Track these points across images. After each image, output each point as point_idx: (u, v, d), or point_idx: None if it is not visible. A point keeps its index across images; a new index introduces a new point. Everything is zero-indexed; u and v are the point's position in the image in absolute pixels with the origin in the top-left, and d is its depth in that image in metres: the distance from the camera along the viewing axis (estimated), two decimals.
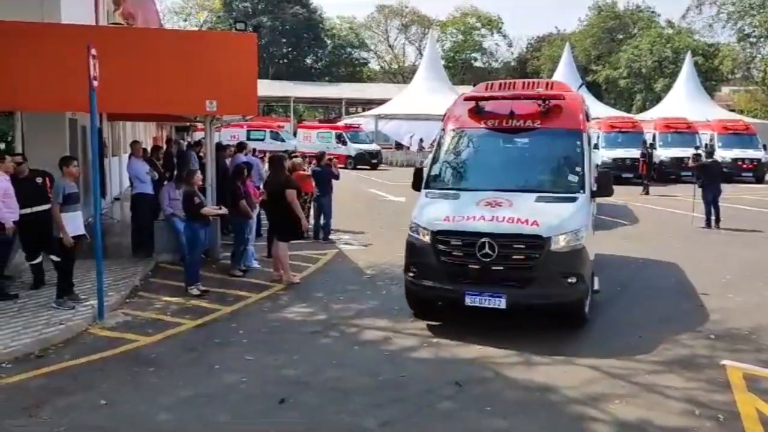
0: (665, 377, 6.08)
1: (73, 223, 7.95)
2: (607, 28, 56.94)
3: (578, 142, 7.93)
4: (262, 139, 34.04)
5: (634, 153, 24.44)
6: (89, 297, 8.06)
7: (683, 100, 37.80)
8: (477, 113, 8.40)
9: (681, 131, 27.68)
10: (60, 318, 7.46)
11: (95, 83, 7.53)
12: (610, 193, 7.98)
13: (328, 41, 68.00)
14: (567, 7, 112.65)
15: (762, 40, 47.32)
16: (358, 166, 33.38)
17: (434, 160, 8.49)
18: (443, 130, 8.76)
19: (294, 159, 13.07)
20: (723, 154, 24.95)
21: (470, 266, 6.98)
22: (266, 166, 12.86)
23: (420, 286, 7.41)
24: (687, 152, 22.72)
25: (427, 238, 7.26)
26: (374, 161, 34.51)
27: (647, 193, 21.52)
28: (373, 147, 35.57)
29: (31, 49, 9.07)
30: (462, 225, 7.15)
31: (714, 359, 6.55)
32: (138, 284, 9.24)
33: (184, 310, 8.17)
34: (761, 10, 46.73)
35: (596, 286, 7.91)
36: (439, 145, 8.60)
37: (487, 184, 7.77)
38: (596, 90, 48.62)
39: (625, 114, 37.78)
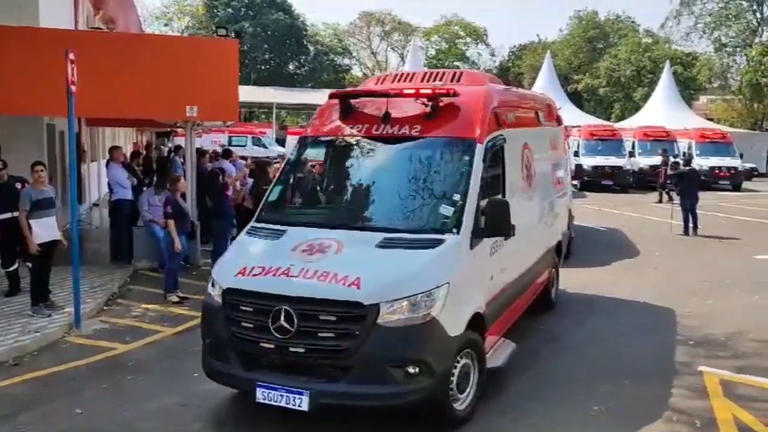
0: (644, 383, 6.12)
1: (46, 229, 7.84)
2: (588, 37, 57.55)
3: (467, 158, 5.61)
4: (244, 145, 33.87)
5: (614, 161, 24.89)
6: (66, 304, 7.95)
7: (661, 108, 38.23)
8: (344, 116, 6.20)
9: (659, 140, 28.00)
10: (36, 326, 7.35)
11: (73, 88, 7.45)
12: (505, 233, 5.46)
13: (311, 47, 67.95)
14: (548, 17, 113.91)
15: (738, 50, 48.15)
16: None
17: (277, 182, 6.45)
18: (301, 139, 6.75)
19: (276, 165, 13.03)
20: (700, 163, 25.32)
21: (263, 344, 4.86)
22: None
23: (210, 367, 5.31)
24: (656, 160, 23.11)
25: (218, 298, 5.19)
26: None
27: (661, 201, 21.26)
28: None
29: (8, 53, 8.95)
30: (254, 282, 5.01)
31: (691, 365, 6.61)
32: (116, 291, 9.13)
33: (163, 318, 8.09)
34: (737, 21, 47.58)
35: (500, 362, 5.86)
36: (288, 161, 6.65)
37: (328, 219, 5.82)
38: (577, 98, 49.06)
39: (605, 122, 38.14)
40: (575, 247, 11.51)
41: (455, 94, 5.88)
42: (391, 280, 4.84)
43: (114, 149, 12.29)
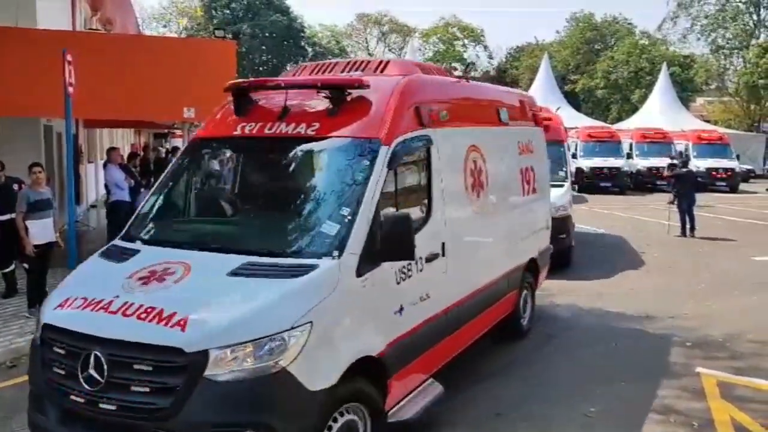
0: (641, 385, 6.13)
1: (43, 231, 7.83)
2: (585, 39, 57.64)
3: (365, 163, 4.57)
4: None
5: (612, 162, 24.90)
6: None
7: (659, 110, 38.31)
8: (240, 113, 5.19)
9: (657, 141, 28.06)
10: (33, 328, 7.31)
11: (71, 89, 7.44)
12: (404, 255, 4.40)
13: (309, 49, 67.99)
14: (546, 19, 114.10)
15: (735, 51, 48.25)
16: None
17: (153, 192, 5.45)
18: (191, 141, 5.90)
19: None
20: (697, 164, 25.36)
21: (73, 397, 3.87)
22: None
23: (31, 420, 4.34)
24: (663, 162, 23.04)
25: (37, 336, 4.32)
26: None
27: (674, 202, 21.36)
28: None
29: (5, 54, 8.95)
30: (69, 318, 4.06)
31: (689, 367, 6.62)
32: None
33: None
34: (734, 23, 47.69)
35: (409, 414, 4.73)
36: (170, 168, 5.65)
37: (189, 236, 4.88)
38: (574, 100, 49.13)
39: (602, 124, 38.21)
40: (574, 250, 11.50)
41: (364, 86, 4.84)
42: (227, 320, 3.74)
43: (111, 150, 12.28)
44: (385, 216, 4.40)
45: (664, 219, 15.65)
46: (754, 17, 48.39)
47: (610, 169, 24.91)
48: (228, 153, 5.53)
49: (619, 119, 45.33)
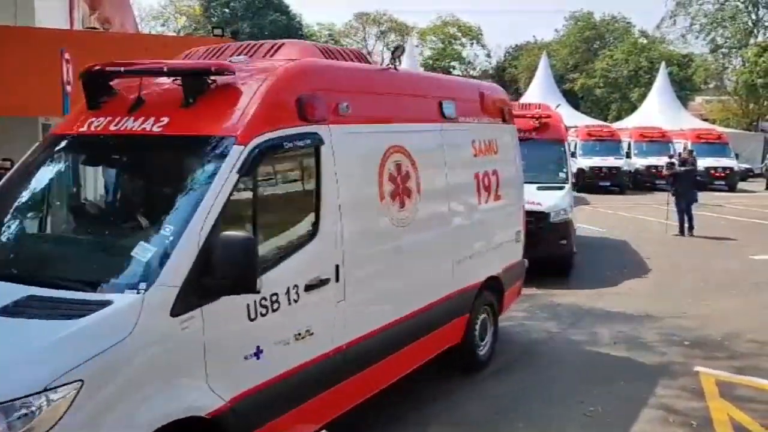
0: (640, 384, 6.13)
1: None
2: (584, 38, 57.64)
3: (210, 167, 3.68)
4: None
5: (612, 162, 24.74)
6: None
7: (657, 109, 38.31)
8: (94, 104, 4.28)
9: (655, 140, 28.05)
10: None
11: (69, 88, 7.43)
12: (243, 287, 3.47)
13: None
14: (544, 18, 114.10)
15: (733, 51, 48.29)
16: None
17: None
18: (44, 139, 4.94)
19: None
20: (696, 163, 25.33)
21: None
22: None
23: None
24: (661, 161, 23.05)
25: None
26: None
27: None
28: None
29: (4, 54, 8.93)
30: None
31: (688, 366, 6.62)
32: None
33: None
34: (732, 22, 47.73)
35: None
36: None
37: None
38: (573, 99, 49.13)
39: (602, 123, 38.20)
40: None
41: (228, 72, 3.96)
42: None
43: None
44: (221, 238, 3.39)
45: (663, 218, 15.66)
46: (753, 16, 48.48)
47: (609, 168, 24.76)
48: (70, 154, 4.44)
49: (618, 118, 45.35)
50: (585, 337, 7.58)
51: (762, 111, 45.42)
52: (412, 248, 5.14)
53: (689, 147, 27.60)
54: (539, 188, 10.38)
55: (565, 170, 11.44)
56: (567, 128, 14.43)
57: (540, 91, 35.21)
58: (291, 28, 64.37)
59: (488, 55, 71.82)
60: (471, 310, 6.08)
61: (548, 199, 10.27)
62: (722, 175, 27.07)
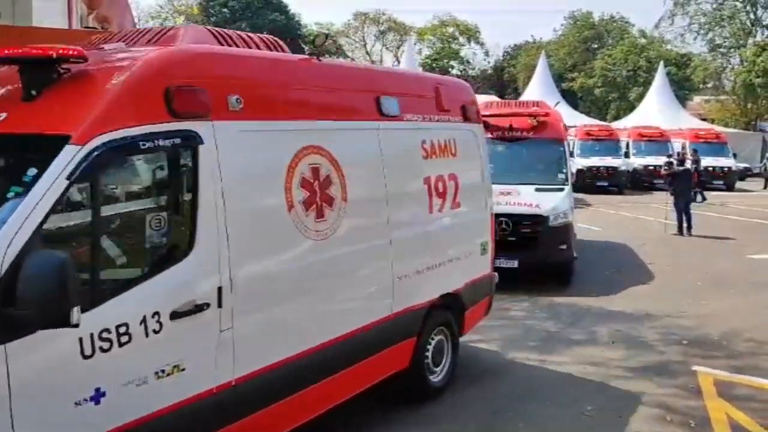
0: (638, 383, 6.14)
1: None
2: (583, 37, 57.66)
3: (32, 173, 3.11)
4: None
5: (610, 161, 24.56)
6: None
7: (656, 109, 38.31)
8: None
9: (654, 140, 28.04)
10: None
11: None
12: (53, 321, 2.83)
13: (306, 47, 67.89)
14: (543, 17, 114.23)
15: (732, 50, 48.32)
16: None
17: None
18: None
19: None
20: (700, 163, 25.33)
21: None
22: None
23: None
24: (660, 160, 23.05)
25: None
26: None
27: (704, 199, 21.45)
28: None
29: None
30: None
31: (686, 365, 6.63)
32: None
33: None
34: (731, 22, 47.75)
35: None
36: None
37: None
38: (572, 98, 49.13)
39: (600, 122, 38.20)
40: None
41: (79, 60, 3.34)
42: None
43: None
44: (27, 258, 2.77)
45: (662, 218, 15.67)
46: (752, 16, 48.48)
47: (607, 168, 24.61)
48: None
49: (617, 118, 45.38)
50: (584, 336, 7.58)
51: (760, 111, 45.47)
52: (335, 265, 4.47)
53: (688, 147, 27.78)
54: (537, 190, 10.15)
55: (564, 171, 10.90)
56: (566, 127, 13.64)
57: (539, 91, 35.17)
58: (290, 28, 64.41)
59: (486, 54, 71.86)
60: (420, 332, 5.35)
61: (547, 202, 9.90)
62: (720, 174, 27.08)
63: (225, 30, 4.59)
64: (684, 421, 5.34)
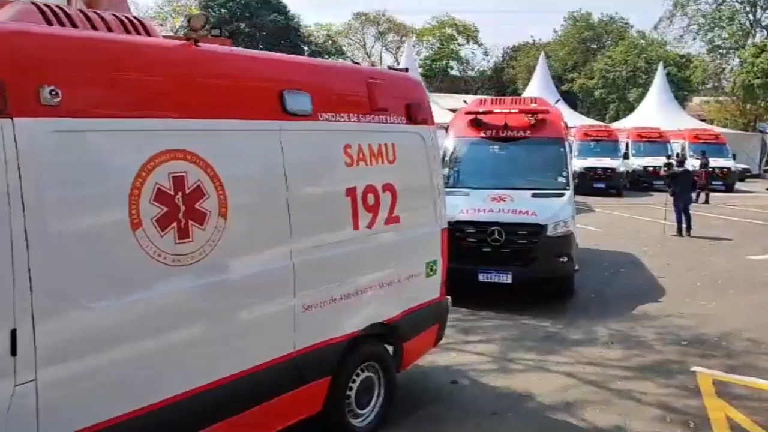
0: (638, 383, 6.15)
1: None
2: (582, 38, 57.71)
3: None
4: None
5: (608, 162, 24.22)
6: None
7: (655, 109, 38.35)
8: None
9: (653, 140, 28.05)
10: None
11: None
12: None
13: (306, 48, 67.95)
14: (542, 18, 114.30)
15: (731, 51, 48.34)
16: None
17: None
18: None
19: None
20: (694, 163, 25.33)
21: None
22: None
23: None
24: (659, 161, 23.04)
25: None
26: None
27: (707, 201, 21.53)
28: None
29: None
30: None
31: (685, 365, 6.64)
32: None
33: None
34: (730, 23, 47.79)
35: None
36: None
37: None
38: (572, 99, 49.15)
39: (599, 123, 38.19)
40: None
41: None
42: None
43: None
44: None
45: (661, 218, 15.69)
46: (750, 17, 48.53)
47: (604, 169, 24.12)
48: None
49: (616, 118, 45.40)
50: (582, 337, 7.59)
51: (760, 111, 45.45)
52: (204, 295, 3.70)
53: (687, 147, 27.79)
54: (535, 195, 9.13)
55: (565, 174, 9.70)
56: (568, 126, 12.27)
57: (538, 92, 35.09)
58: (289, 28, 64.46)
59: (486, 55, 71.93)
60: (337, 370, 4.59)
61: (545, 209, 8.80)
62: (720, 175, 27.09)
63: (65, 7, 3.76)
64: (683, 421, 5.35)
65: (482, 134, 10.04)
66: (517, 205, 8.84)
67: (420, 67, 58.69)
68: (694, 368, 6.53)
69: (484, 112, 10.18)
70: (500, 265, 8.49)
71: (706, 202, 21.49)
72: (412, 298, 5.34)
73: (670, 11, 50.86)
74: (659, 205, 16.34)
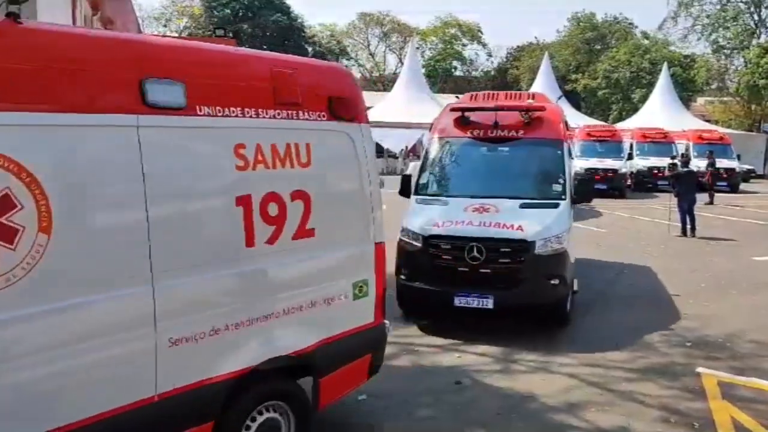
0: (641, 385, 6.13)
1: None
2: (586, 38, 57.66)
3: None
4: None
5: (610, 163, 23.89)
6: None
7: (659, 110, 38.31)
8: None
9: (658, 141, 27.98)
10: None
11: None
12: None
13: (309, 48, 68.02)
14: (546, 18, 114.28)
15: (736, 52, 48.23)
16: None
17: None
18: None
19: None
20: (698, 164, 25.23)
21: None
22: None
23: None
24: (663, 162, 22.90)
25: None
26: None
27: (712, 202, 21.42)
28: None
29: None
30: None
31: (689, 367, 6.62)
32: None
33: None
34: (735, 23, 47.68)
35: None
36: None
37: None
38: (575, 99, 49.09)
39: (602, 123, 38.11)
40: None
41: None
42: None
43: None
44: None
45: (665, 219, 15.65)
46: (755, 17, 48.39)
47: (605, 170, 23.68)
48: None
49: (620, 119, 45.36)
50: (586, 338, 7.56)
51: (764, 112, 45.37)
52: (18, 332, 3.01)
53: (691, 148, 27.71)
54: (524, 206, 7.83)
55: (562, 181, 8.26)
56: (569, 127, 10.69)
57: (542, 92, 35.10)
58: (292, 29, 64.54)
59: (489, 55, 71.89)
60: (221, 413, 3.82)
61: (534, 222, 7.51)
62: (724, 176, 26.99)
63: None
64: (688, 423, 5.33)
65: (468, 134, 8.77)
66: (501, 218, 7.58)
67: (424, 67, 58.73)
68: (699, 369, 6.51)
69: (471, 109, 8.96)
70: (480, 288, 7.27)
71: (711, 202, 21.43)
72: (334, 324, 4.51)
73: (674, 11, 50.78)
74: (663, 205, 16.30)
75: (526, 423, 5.33)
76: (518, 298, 7.34)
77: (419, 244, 7.63)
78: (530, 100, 9.31)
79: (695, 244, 14.16)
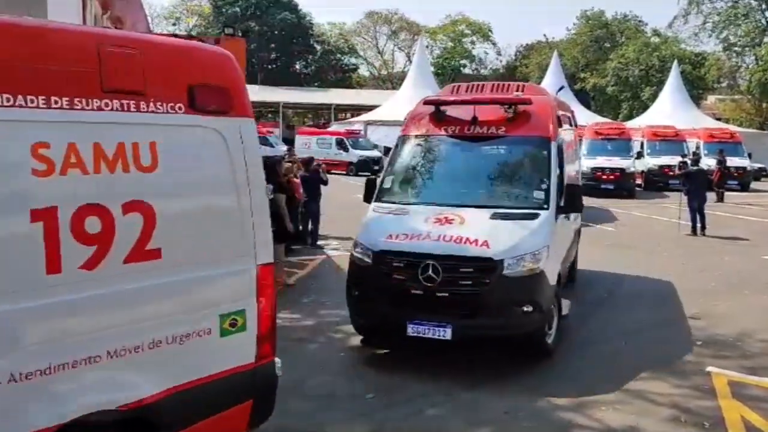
0: (652, 384, 6.11)
1: None
2: (595, 36, 57.45)
3: None
4: None
5: (617, 162, 23.40)
6: None
7: (669, 108, 38.11)
8: None
9: (669, 139, 27.81)
10: None
11: None
12: None
13: (318, 47, 68.10)
14: (555, 16, 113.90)
15: (747, 49, 47.92)
16: (360, 173, 32.13)
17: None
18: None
19: (285, 165, 13.06)
20: (709, 162, 25.05)
21: None
22: None
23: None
24: (674, 160, 22.71)
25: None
26: (376, 168, 33.30)
27: (722, 200, 21.34)
28: (375, 153, 33.68)
29: None
30: None
31: (700, 366, 6.58)
32: None
33: None
34: (746, 20, 47.36)
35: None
36: None
37: None
38: (584, 97, 48.91)
39: (611, 121, 37.89)
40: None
41: None
42: None
43: None
44: None
45: (675, 218, 15.58)
46: (766, 14, 48.05)
47: (612, 169, 23.10)
48: None
49: (629, 117, 45.19)
50: (595, 336, 7.54)
51: None
52: None
53: (702, 146, 27.55)
54: (495, 216, 6.64)
55: (545, 186, 7.01)
56: (560, 119, 8.26)
57: (551, 90, 35.01)
58: (301, 27, 64.62)
59: (498, 54, 71.76)
60: None
61: (503, 237, 6.36)
62: (735, 174, 26.82)
63: None
64: (698, 422, 5.31)
65: (442, 131, 7.58)
66: (465, 231, 6.39)
67: (432, 65, 58.70)
68: (709, 369, 6.47)
69: (447, 102, 7.77)
70: (436, 314, 6.14)
71: (721, 200, 21.31)
72: (191, 368, 3.61)
73: (684, 9, 50.46)
74: (673, 204, 16.22)
75: (534, 422, 5.31)
76: (481, 328, 6.16)
77: (369, 261, 6.47)
78: (517, 92, 7.87)
79: (706, 242, 14.08)
